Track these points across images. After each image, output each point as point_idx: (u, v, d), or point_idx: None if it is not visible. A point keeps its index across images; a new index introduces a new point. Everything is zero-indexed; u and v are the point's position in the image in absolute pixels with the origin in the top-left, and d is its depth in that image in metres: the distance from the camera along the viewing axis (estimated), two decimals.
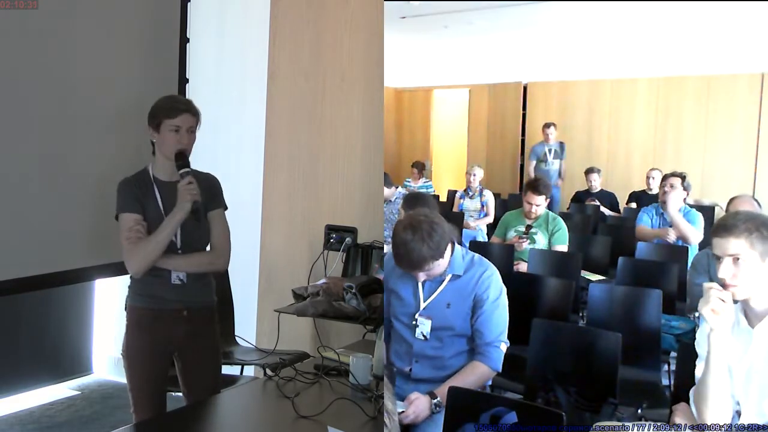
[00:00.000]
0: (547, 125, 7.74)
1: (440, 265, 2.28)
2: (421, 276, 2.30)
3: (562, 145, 7.74)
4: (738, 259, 1.77)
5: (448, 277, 2.34)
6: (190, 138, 2.37)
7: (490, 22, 7.85)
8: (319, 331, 3.08)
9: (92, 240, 2.99)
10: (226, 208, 2.52)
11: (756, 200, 3.61)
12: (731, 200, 3.58)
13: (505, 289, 2.38)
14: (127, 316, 2.44)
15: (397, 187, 5.19)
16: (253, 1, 3.90)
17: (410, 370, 2.36)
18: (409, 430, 2.19)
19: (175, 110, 2.34)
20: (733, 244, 1.77)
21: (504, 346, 2.32)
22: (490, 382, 2.43)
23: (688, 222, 4.41)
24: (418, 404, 2.16)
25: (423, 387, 2.29)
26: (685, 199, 4.54)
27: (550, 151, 7.65)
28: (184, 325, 2.43)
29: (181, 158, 2.36)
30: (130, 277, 2.44)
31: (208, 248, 2.51)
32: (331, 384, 2.35)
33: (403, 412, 2.13)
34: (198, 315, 2.47)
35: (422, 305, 2.34)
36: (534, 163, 7.66)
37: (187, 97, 3.40)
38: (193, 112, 2.38)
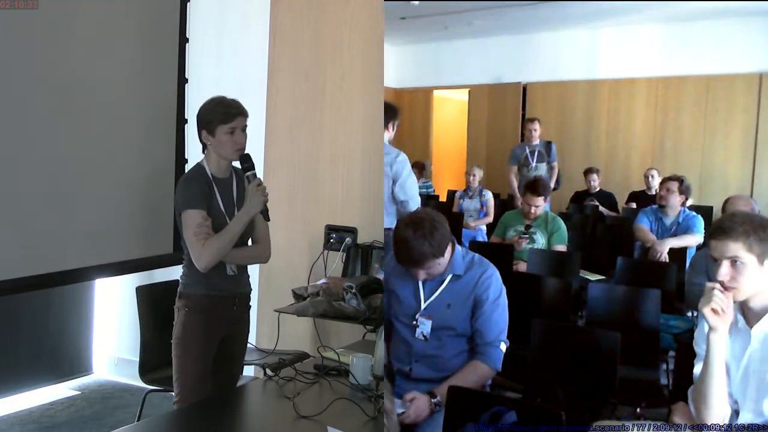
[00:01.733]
0: (530, 120, 6.54)
1: (440, 264, 2.29)
2: (422, 274, 2.30)
3: (549, 145, 6.43)
4: (736, 261, 1.78)
5: (448, 278, 2.34)
6: (243, 136, 2.49)
7: (490, 22, 7.86)
8: (319, 331, 3.08)
9: (92, 240, 2.99)
10: None
11: (753, 200, 3.59)
12: (727, 200, 3.56)
13: (504, 289, 2.38)
14: (183, 303, 2.50)
15: None
16: (253, 1, 3.91)
17: (410, 369, 2.36)
18: (409, 430, 2.20)
19: (229, 115, 2.45)
20: (731, 247, 1.77)
21: (504, 346, 2.33)
22: (489, 382, 2.44)
23: (689, 226, 4.45)
24: (418, 404, 2.16)
25: (423, 387, 2.29)
26: (684, 202, 4.55)
27: (532, 153, 6.33)
28: (236, 311, 2.57)
29: (247, 161, 2.49)
30: (185, 267, 2.52)
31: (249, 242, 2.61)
32: (331, 384, 2.35)
33: (403, 412, 2.13)
34: (243, 302, 2.63)
35: (422, 305, 2.35)
36: (515, 168, 6.40)
37: (186, 97, 3.41)
38: (245, 113, 2.50)
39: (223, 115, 2.45)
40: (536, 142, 6.36)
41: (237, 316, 2.60)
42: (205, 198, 2.45)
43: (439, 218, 2.25)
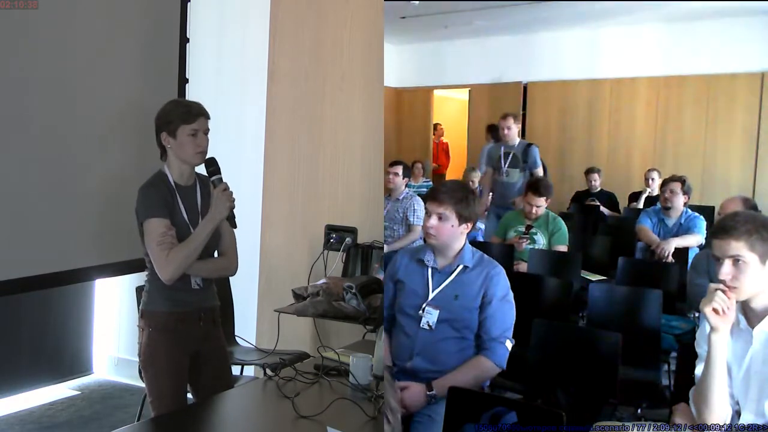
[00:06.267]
0: (503, 117, 5.39)
1: (452, 228, 2.31)
2: (432, 219, 2.31)
3: (528, 148, 5.31)
4: (738, 260, 1.77)
5: (458, 269, 2.36)
6: (206, 140, 2.37)
7: (490, 22, 7.86)
8: (319, 331, 3.08)
9: (92, 240, 2.99)
10: None
11: (751, 200, 3.56)
12: (723, 203, 3.51)
13: (511, 290, 2.39)
14: (146, 322, 2.41)
15: (406, 185, 5.10)
16: (253, 1, 3.90)
17: (410, 366, 2.35)
18: (408, 430, 2.19)
19: (191, 114, 2.32)
20: (733, 246, 1.77)
21: (509, 344, 2.33)
22: (488, 383, 2.43)
23: (690, 227, 4.45)
24: (413, 392, 2.18)
25: (420, 382, 2.29)
26: (686, 203, 4.54)
27: (506, 155, 5.29)
28: (201, 327, 2.45)
29: (213, 164, 2.37)
30: (148, 282, 2.42)
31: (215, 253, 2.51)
32: (331, 384, 2.35)
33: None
34: (209, 316, 2.49)
35: (431, 295, 2.35)
36: (489, 171, 5.51)
37: (186, 97, 3.41)
38: (206, 115, 2.38)
39: (185, 114, 2.30)
40: (513, 143, 5.34)
41: (205, 332, 2.46)
42: (168, 206, 2.32)
43: (477, 201, 2.39)
